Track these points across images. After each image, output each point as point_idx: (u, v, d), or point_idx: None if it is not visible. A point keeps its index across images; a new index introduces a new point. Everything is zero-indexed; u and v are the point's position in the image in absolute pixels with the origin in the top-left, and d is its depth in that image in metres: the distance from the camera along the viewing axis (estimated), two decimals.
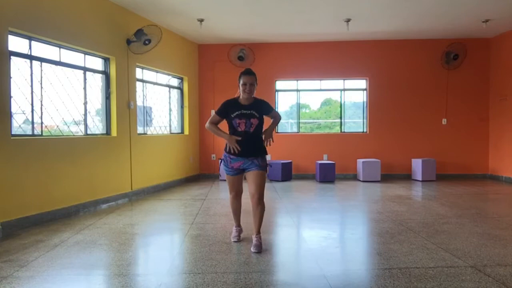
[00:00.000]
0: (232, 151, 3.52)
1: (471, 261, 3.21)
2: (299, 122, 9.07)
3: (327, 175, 8.19)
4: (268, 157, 8.81)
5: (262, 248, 3.52)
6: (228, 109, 3.51)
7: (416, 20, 7.28)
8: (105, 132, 6.14)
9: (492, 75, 8.59)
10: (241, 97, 3.52)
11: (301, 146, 8.86)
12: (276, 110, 3.65)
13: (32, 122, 4.84)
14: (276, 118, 3.74)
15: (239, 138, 3.46)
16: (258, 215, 3.55)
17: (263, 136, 3.60)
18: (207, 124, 3.64)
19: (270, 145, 3.60)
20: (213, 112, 3.70)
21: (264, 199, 3.58)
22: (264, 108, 3.58)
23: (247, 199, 3.77)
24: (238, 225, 3.92)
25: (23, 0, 4.56)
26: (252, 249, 3.50)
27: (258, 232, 3.58)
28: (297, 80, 9.04)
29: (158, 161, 7.29)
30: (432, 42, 8.61)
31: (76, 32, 5.37)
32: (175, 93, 8.36)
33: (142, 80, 7.07)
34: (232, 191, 3.78)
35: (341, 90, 9.04)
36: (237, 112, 3.46)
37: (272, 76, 8.86)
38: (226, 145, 3.57)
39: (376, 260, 3.31)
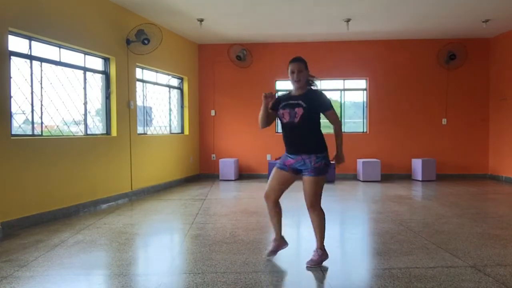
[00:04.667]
0: (286, 148, 3.18)
1: (471, 261, 3.21)
2: None
3: (327, 175, 8.17)
4: (268, 156, 8.86)
5: (317, 263, 3.11)
6: (278, 102, 3.22)
7: (416, 20, 7.28)
8: (105, 132, 6.14)
9: (492, 75, 8.59)
10: (292, 87, 3.25)
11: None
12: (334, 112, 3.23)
13: (32, 122, 4.84)
14: (336, 126, 3.26)
15: (269, 93, 3.16)
16: (315, 224, 3.16)
17: (335, 161, 3.30)
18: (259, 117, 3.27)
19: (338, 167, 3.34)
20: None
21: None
22: (316, 100, 3.13)
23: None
24: (276, 237, 3.33)
25: (23, 0, 4.55)
26: (307, 263, 3.13)
27: (320, 246, 3.16)
28: None
29: (158, 161, 7.29)
30: (432, 42, 8.60)
31: (76, 32, 5.37)
32: (175, 93, 8.36)
33: (142, 80, 7.07)
34: (267, 187, 3.24)
35: (341, 90, 9.03)
36: (284, 103, 3.17)
37: (272, 76, 8.86)
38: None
39: (376, 260, 3.31)
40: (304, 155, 3.09)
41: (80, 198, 5.35)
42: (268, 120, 3.28)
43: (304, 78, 3.16)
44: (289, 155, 3.18)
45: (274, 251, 3.33)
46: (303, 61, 3.19)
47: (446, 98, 8.72)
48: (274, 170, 3.27)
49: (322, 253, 3.16)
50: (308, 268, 3.10)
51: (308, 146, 3.11)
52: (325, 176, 3.19)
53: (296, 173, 3.19)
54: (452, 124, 8.75)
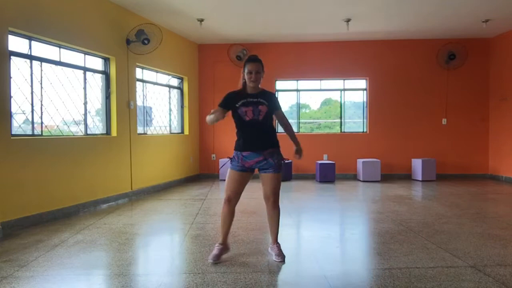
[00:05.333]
0: (244, 147, 3.13)
1: (471, 261, 3.21)
2: (299, 122, 9.06)
3: (327, 175, 8.19)
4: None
5: (283, 256, 3.24)
6: (232, 99, 3.16)
7: (416, 20, 7.28)
8: (105, 132, 6.14)
9: (492, 75, 8.59)
10: (247, 86, 3.20)
11: (301, 146, 8.85)
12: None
13: (32, 122, 4.84)
14: (287, 124, 3.39)
15: (223, 112, 3.09)
16: (275, 220, 3.26)
17: (297, 156, 3.38)
18: (207, 117, 3.14)
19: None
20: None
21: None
22: (272, 100, 3.22)
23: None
24: (223, 242, 3.29)
25: (23, 0, 4.56)
26: (276, 259, 3.22)
27: (276, 241, 3.31)
28: (297, 80, 9.04)
29: (158, 161, 7.29)
30: (432, 42, 8.60)
31: (76, 32, 5.37)
32: (175, 93, 8.36)
33: (142, 80, 7.07)
34: (227, 191, 3.22)
35: (341, 90, 9.03)
36: (242, 101, 3.13)
37: (272, 76, 8.85)
38: (236, 143, 3.21)
39: (376, 260, 3.31)
40: (266, 152, 3.15)
41: (80, 198, 5.35)
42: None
43: (260, 79, 3.20)
44: (249, 154, 3.15)
45: (219, 255, 3.25)
46: (261, 62, 3.22)
47: (446, 98, 8.72)
48: (232, 173, 3.21)
49: (280, 246, 3.29)
50: (281, 262, 3.20)
51: (271, 141, 3.22)
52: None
53: (252, 172, 3.25)
54: (452, 124, 8.75)
